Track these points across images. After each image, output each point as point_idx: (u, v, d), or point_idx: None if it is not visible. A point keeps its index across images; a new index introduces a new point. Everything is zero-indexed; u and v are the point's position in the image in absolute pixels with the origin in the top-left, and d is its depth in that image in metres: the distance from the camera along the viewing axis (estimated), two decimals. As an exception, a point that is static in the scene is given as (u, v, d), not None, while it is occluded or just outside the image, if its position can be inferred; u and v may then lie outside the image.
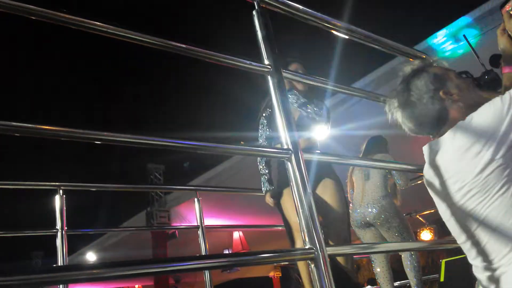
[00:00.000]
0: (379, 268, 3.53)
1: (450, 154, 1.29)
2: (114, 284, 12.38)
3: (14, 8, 0.95)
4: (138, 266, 0.88)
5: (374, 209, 3.48)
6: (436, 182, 1.35)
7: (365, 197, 3.58)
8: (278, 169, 2.74)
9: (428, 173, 1.41)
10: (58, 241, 2.35)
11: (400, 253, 3.59)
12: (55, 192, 2.43)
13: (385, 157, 3.65)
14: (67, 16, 1.01)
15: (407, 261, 3.47)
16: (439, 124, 1.37)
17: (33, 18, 1.00)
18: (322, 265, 1.04)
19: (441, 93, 1.35)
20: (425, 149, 1.44)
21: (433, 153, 1.38)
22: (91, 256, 11.41)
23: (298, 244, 2.25)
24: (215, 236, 10.09)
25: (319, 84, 1.55)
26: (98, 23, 1.04)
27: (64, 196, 2.44)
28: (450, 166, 1.29)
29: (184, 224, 10.22)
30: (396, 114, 1.44)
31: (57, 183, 2.43)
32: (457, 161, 1.25)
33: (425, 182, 1.44)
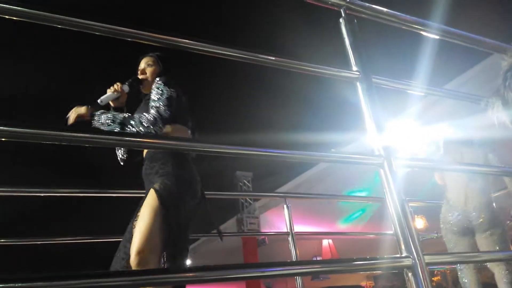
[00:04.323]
0: (466, 279, 3.25)
1: None
2: (207, 288, 12.81)
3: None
4: (232, 271, 0.92)
5: (483, 214, 3.21)
6: None
7: (469, 200, 3.31)
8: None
9: None
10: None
11: (493, 270, 3.24)
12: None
13: (489, 159, 3.39)
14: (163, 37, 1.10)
15: (502, 278, 3.14)
16: None
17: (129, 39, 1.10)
18: (421, 274, 1.01)
19: None
20: None
21: None
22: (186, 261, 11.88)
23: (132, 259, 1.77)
24: (304, 243, 10.07)
25: (411, 88, 1.50)
26: (196, 42, 1.12)
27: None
28: None
29: (274, 230, 10.33)
30: (502, 114, 1.33)
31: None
32: None
33: None
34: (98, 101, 2.21)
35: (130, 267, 1.81)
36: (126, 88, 2.30)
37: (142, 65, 2.38)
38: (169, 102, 2.08)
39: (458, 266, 3.31)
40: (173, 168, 2.00)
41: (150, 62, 2.38)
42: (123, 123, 2.04)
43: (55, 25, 0.99)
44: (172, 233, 1.83)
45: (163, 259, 1.86)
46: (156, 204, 1.87)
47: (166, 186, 1.92)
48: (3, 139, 0.81)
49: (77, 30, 1.02)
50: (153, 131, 2.00)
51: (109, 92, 2.26)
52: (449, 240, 3.41)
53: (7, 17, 0.93)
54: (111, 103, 2.29)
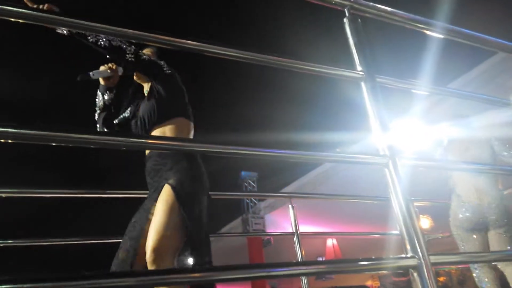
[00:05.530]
0: (482, 279, 3.16)
1: None
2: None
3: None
4: (239, 271, 0.92)
5: (497, 209, 3.13)
6: None
7: (482, 195, 3.22)
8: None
9: None
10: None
11: (504, 270, 3.15)
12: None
13: (495, 148, 3.34)
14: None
15: None
16: None
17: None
18: (426, 274, 1.01)
19: None
20: None
21: None
22: (191, 261, 11.90)
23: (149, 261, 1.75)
24: (308, 243, 10.07)
25: (415, 87, 1.50)
26: (218, 47, 1.12)
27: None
28: None
29: (279, 230, 10.33)
30: None
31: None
32: None
33: None
34: (90, 73, 2.16)
35: (138, 264, 1.82)
36: (120, 70, 2.26)
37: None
38: (156, 63, 2.15)
39: (472, 266, 3.20)
40: (188, 164, 1.99)
41: (149, 52, 2.38)
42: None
43: (59, 27, 0.99)
44: (189, 229, 1.82)
45: (185, 255, 1.86)
46: (172, 200, 1.86)
47: (181, 183, 1.91)
48: (9, 141, 0.82)
49: (81, 32, 1.03)
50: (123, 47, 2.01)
51: (103, 68, 2.22)
52: (458, 235, 3.32)
53: (13, 19, 0.94)
54: (101, 80, 2.24)
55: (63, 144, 0.86)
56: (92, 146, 0.90)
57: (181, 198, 1.86)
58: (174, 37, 1.11)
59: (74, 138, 0.86)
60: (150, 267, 1.75)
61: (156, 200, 1.94)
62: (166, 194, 1.89)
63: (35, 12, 0.95)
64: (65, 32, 1.91)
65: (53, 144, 0.85)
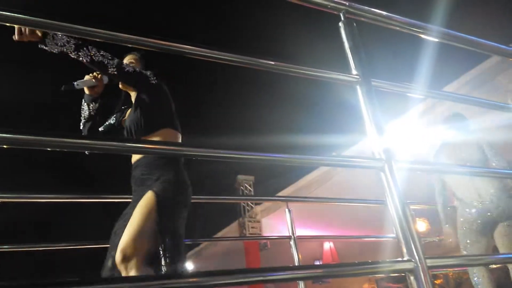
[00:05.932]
0: (478, 278, 3.16)
1: None
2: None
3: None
4: (235, 275, 0.91)
5: (501, 201, 3.14)
6: None
7: (481, 193, 3.24)
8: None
9: None
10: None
11: (509, 266, 3.18)
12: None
13: (485, 150, 3.36)
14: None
15: None
16: None
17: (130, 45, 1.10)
18: (422, 277, 1.01)
19: None
20: None
21: None
22: (188, 266, 11.89)
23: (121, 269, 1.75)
24: (305, 247, 10.05)
25: (410, 91, 1.50)
26: (221, 52, 1.12)
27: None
28: None
29: (276, 234, 10.31)
30: None
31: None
32: None
33: None
34: (75, 83, 2.13)
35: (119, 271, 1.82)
36: (105, 79, 2.23)
37: (125, 61, 2.35)
38: (142, 73, 2.14)
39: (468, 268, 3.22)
40: (174, 176, 2.00)
41: (133, 60, 2.38)
42: (80, 45, 1.89)
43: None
44: (164, 238, 1.82)
45: (160, 265, 1.86)
46: (152, 205, 1.86)
47: (165, 191, 1.91)
48: (4, 146, 0.81)
49: (78, 36, 1.02)
50: (103, 60, 1.96)
51: (88, 77, 2.19)
52: (466, 237, 3.30)
53: (8, 24, 0.94)
54: (86, 89, 2.22)
55: (58, 149, 0.86)
56: (87, 151, 0.90)
57: (160, 206, 1.86)
58: (170, 41, 1.11)
59: (69, 143, 0.86)
60: (118, 267, 1.75)
61: (132, 207, 1.95)
62: (147, 199, 1.89)
63: (28, 17, 0.95)
64: (47, 48, 1.90)
65: (49, 149, 0.85)
